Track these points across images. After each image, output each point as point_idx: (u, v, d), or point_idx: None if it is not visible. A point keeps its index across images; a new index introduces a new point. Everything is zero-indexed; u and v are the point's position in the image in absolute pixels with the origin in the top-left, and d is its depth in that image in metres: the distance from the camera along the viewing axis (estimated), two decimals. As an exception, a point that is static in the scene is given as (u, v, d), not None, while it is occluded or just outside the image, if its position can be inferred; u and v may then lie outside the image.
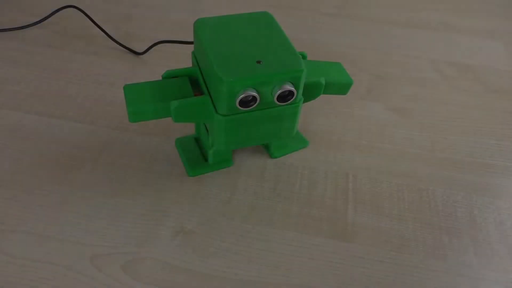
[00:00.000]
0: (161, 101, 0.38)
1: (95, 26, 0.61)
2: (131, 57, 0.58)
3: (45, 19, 0.62)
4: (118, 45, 0.59)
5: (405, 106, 0.54)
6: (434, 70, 0.60)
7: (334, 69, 0.44)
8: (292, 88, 0.36)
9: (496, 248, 0.40)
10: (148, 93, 0.38)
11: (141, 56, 0.58)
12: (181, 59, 0.59)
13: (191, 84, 0.40)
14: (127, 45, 0.59)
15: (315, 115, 0.52)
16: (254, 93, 0.35)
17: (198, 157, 0.45)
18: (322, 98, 0.54)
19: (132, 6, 0.68)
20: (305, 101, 0.41)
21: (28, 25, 0.61)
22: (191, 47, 0.61)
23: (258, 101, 0.36)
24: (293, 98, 0.37)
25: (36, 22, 0.62)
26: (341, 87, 0.43)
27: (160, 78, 0.54)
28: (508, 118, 0.54)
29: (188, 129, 0.49)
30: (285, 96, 0.37)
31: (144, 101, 0.38)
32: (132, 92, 0.38)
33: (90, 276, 0.36)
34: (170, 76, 0.40)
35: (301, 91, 0.38)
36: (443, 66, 0.61)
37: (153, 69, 0.57)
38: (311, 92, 0.42)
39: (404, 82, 0.58)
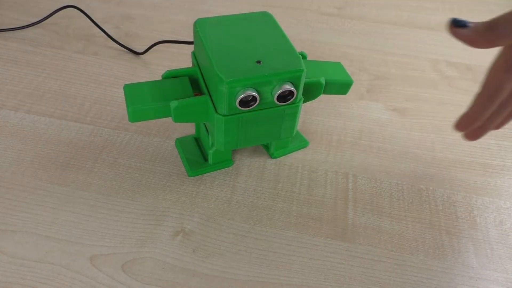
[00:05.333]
0: (161, 101, 0.38)
1: (95, 26, 0.61)
2: (131, 57, 0.58)
3: (45, 19, 0.62)
4: (118, 45, 0.59)
5: (405, 106, 0.54)
6: (434, 70, 0.60)
7: (334, 69, 0.44)
8: (292, 88, 0.36)
9: (496, 248, 0.40)
10: (148, 93, 0.38)
11: (141, 56, 0.58)
12: (181, 59, 0.59)
13: (191, 84, 0.40)
14: (127, 45, 0.59)
15: (315, 115, 0.52)
16: (254, 93, 0.35)
17: (198, 157, 0.45)
18: (322, 98, 0.54)
19: (132, 6, 0.68)
20: (305, 101, 0.41)
21: (28, 25, 0.61)
22: (191, 47, 0.61)
23: (258, 101, 0.36)
24: (293, 98, 0.37)
25: (36, 22, 0.62)
26: (341, 87, 0.43)
27: (160, 78, 0.54)
28: (508, 118, 0.54)
29: (188, 129, 0.49)
30: (285, 96, 0.37)
31: (144, 101, 0.37)
32: (132, 92, 0.38)
33: (90, 276, 0.36)
34: (170, 76, 0.40)
35: (301, 91, 0.38)
36: (443, 66, 0.61)
37: (153, 69, 0.57)
38: (311, 92, 0.42)
39: (404, 82, 0.58)
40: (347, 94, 0.55)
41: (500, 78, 0.33)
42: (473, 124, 0.37)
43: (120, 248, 0.38)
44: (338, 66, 0.44)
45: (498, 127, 0.38)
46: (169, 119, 0.49)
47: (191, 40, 0.61)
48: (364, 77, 0.58)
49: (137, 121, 0.38)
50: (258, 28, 0.39)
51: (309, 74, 0.41)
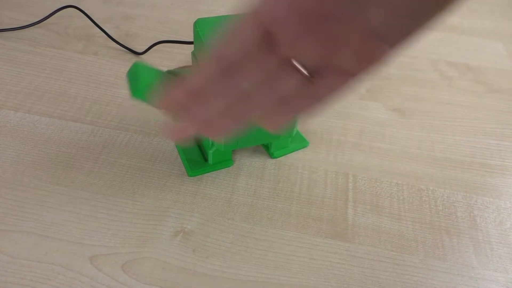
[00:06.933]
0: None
1: (95, 26, 0.61)
2: (131, 57, 0.58)
3: (45, 19, 0.62)
4: (118, 45, 0.59)
5: (405, 106, 0.54)
6: (434, 70, 0.60)
7: None
8: (292, 88, 0.36)
9: (496, 248, 0.40)
10: (158, 79, 0.37)
11: (141, 56, 0.58)
12: (181, 59, 0.59)
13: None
14: (127, 45, 0.59)
15: (315, 115, 0.52)
16: (254, 93, 0.35)
17: (198, 157, 0.45)
18: (322, 98, 0.54)
19: (132, 6, 0.68)
20: (305, 101, 0.41)
21: (28, 25, 0.61)
22: (191, 47, 0.61)
23: (258, 101, 0.36)
24: (293, 98, 0.37)
25: (36, 22, 0.62)
26: None
27: (160, 78, 0.54)
28: (508, 118, 0.54)
29: (188, 129, 0.49)
30: (285, 96, 0.37)
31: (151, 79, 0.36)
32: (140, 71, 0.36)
33: (90, 276, 0.36)
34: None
35: (301, 91, 0.38)
36: (443, 66, 0.61)
37: (153, 69, 0.57)
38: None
39: (404, 82, 0.58)
40: (347, 94, 0.55)
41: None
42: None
43: (120, 248, 0.38)
44: None
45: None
46: (169, 120, 0.49)
47: (191, 40, 0.61)
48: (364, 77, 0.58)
49: (140, 98, 0.36)
50: (258, 28, 0.39)
51: None
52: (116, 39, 0.59)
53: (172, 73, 0.40)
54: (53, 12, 0.62)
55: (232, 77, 0.25)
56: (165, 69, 0.58)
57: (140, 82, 0.36)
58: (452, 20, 0.71)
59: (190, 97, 0.27)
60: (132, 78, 0.36)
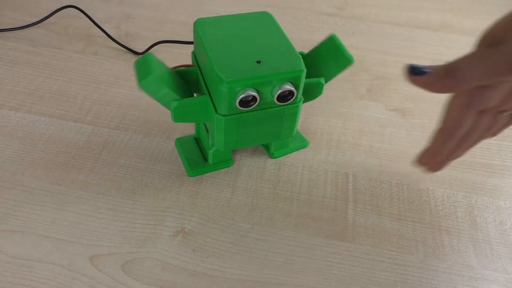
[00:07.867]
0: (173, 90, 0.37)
1: (95, 26, 0.61)
2: (131, 57, 0.58)
3: (45, 19, 0.62)
4: (118, 45, 0.59)
5: (405, 106, 0.54)
6: (434, 70, 0.60)
7: (329, 51, 0.42)
8: (292, 88, 0.36)
9: (496, 248, 0.40)
10: (167, 74, 0.37)
11: (141, 56, 0.58)
12: (181, 59, 0.59)
13: (191, 84, 0.40)
14: (127, 45, 0.59)
15: (315, 115, 0.52)
16: (254, 93, 0.35)
17: (198, 157, 0.45)
18: (322, 98, 0.54)
19: (132, 6, 0.68)
20: (305, 101, 0.41)
21: (28, 25, 0.61)
22: (191, 47, 0.60)
23: (258, 101, 0.36)
24: (293, 98, 0.37)
25: (36, 22, 0.62)
26: (338, 64, 0.42)
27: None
28: (508, 118, 0.54)
29: (188, 129, 0.49)
30: (285, 96, 0.37)
31: (164, 77, 0.36)
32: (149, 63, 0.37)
33: (90, 276, 0.36)
34: (170, 76, 0.40)
35: (301, 91, 0.38)
36: (443, 66, 0.61)
37: (153, 69, 0.57)
38: (311, 92, 0.41)
39: (404, 82, 0.58)
40: (347, 94, 0.55)
41: (461, 115, 0.33)
42: (435, 159, 0.37)
43: (120, 248, 0.38)
44: (331, 41, 0.43)
45: (457, 157, 0.38)
46: (169, 119, 0.49)
47: (191, 40, 0.61)
48: (364, 77, 0.58)
49: (148, 89, 0.36)
50: (258, 28, 0.39)
51: (308, 72, 0.41)
52: (116, 39, 0.59)
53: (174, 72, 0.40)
54: (53, 12, 0.62)
55: (467, 134, 0.35)
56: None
57: (150, 72, 0.35)
58: (452, 20, 0.71)
59: (432, 156, 0.38)
60: (141, 68, 0.36)
